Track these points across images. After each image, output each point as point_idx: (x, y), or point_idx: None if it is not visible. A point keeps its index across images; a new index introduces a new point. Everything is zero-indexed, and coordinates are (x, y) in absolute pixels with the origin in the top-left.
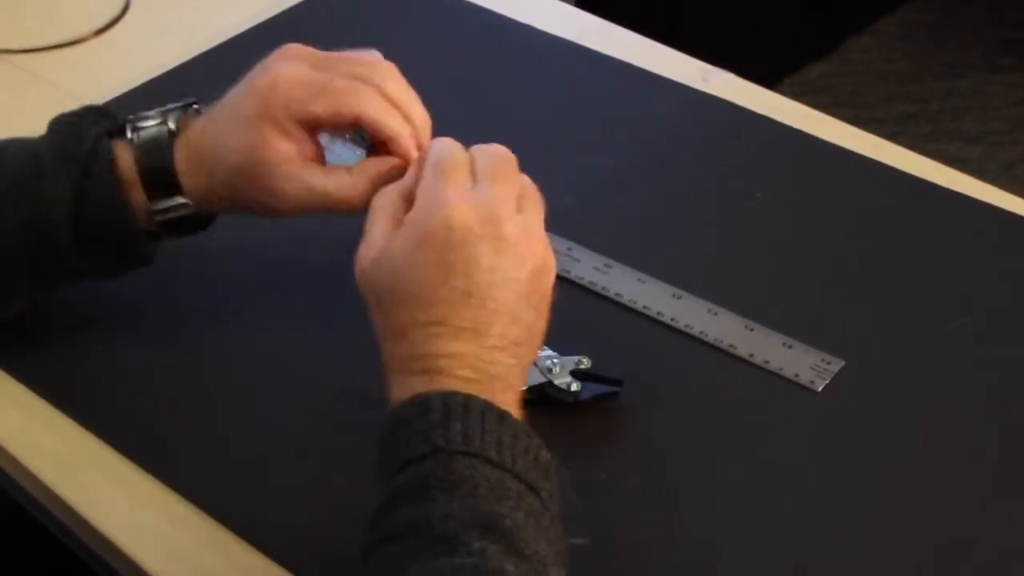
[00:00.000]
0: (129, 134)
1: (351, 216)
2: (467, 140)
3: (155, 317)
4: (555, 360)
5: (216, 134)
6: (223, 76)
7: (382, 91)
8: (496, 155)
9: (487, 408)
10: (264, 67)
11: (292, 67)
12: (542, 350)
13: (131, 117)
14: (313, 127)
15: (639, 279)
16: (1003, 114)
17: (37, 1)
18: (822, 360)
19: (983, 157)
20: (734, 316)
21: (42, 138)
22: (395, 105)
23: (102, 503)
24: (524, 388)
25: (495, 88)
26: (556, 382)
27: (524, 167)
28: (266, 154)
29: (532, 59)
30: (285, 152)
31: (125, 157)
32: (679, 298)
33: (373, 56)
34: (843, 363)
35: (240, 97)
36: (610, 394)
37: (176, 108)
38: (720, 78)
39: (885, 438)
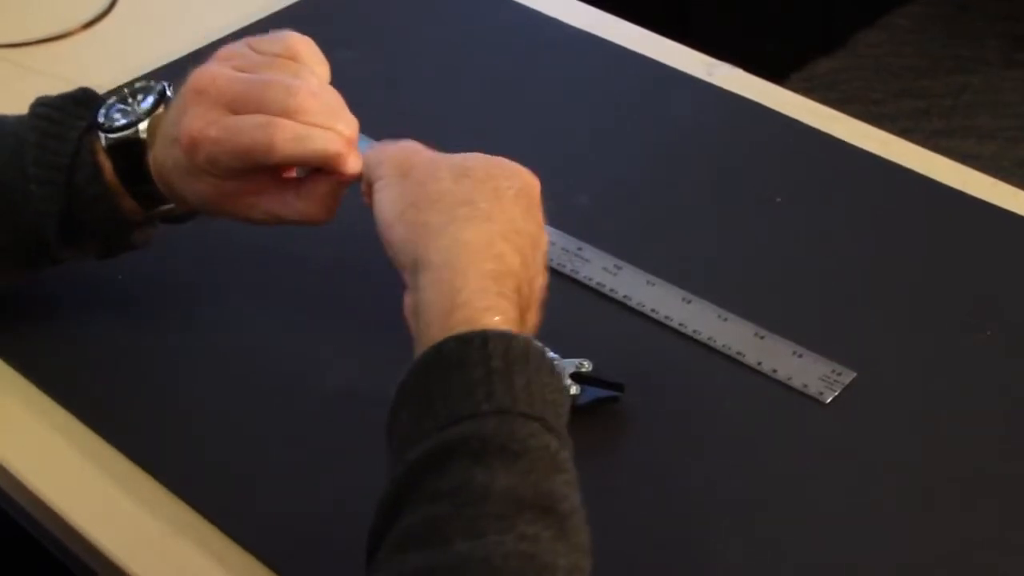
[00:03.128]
0: (103, 141)
1: (349, 213)
2: (469, 136)
3: (144, 307)
4: (555, 362)
5: (171, 173)
6: None
7: (296, 108)
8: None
9: (543, 357)
10: (180, 111)
11: (200, 116)
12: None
13: (103, 113)
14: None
15: (649, 281)
16: (1017, 110)
17: None
18: (832, 371)
19: (997, 154)
20: (744, 322)
21: (22, 128)
22: (315, 122)
23: (82, 498)
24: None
25: (501, 80)
26: None
27: (534, 165)
28: (222, 196)
29: (541, 49)
30: (235, 189)
31: (108, 166)
32: (689, 302)
33: (289, 45)
34: (854, 374)
35: (173, 147)
36: (610, 398)
37: (146, 110)
38: (726, 73)
39: (894, 454)
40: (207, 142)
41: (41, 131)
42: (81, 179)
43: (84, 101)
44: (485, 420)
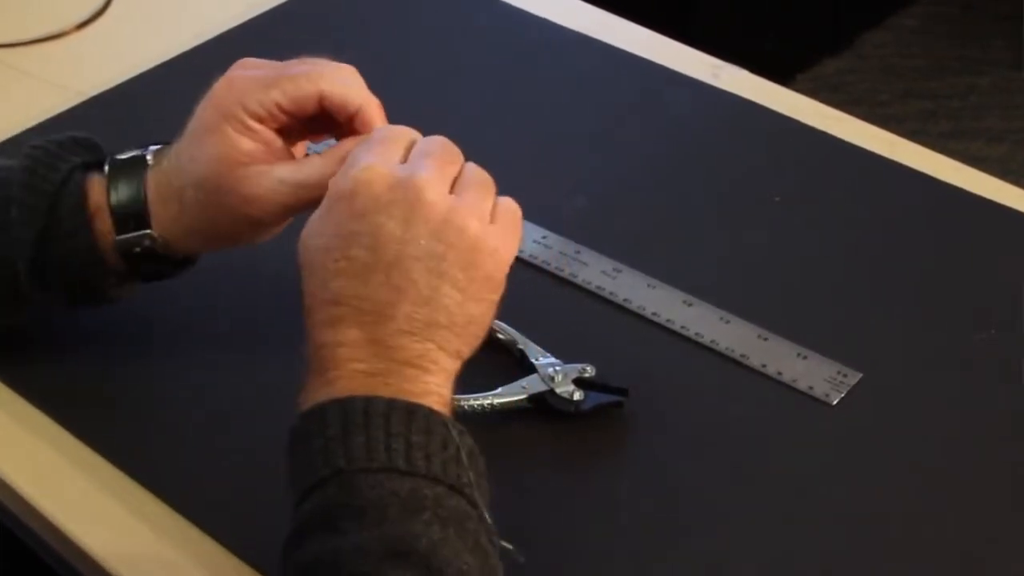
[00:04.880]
0: (106, 167)
1: None
2: (470, 137)
3: (135, 318)
4: (558, 368)
5: (182, 152)
6: (209, 74)
7: (339, 71)
8: (437, 140)
9: (392, 408)
10: (221, 77)
11: (246, 70)
12: (544, 356)
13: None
14: (283, 127)
15: (649, 284)
16: None
17: None
18: (838, 372)
19: (1006, 156)
20: (747, 324)
21: (17, 162)
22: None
23: (79, 510)
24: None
25: (500, 83)
26: (558, 391)
27: (533, 166)
28: (231, 159)
29: (541, 52)
30: (249, 152)
31: (97, 190)
32: (690, 305)
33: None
34: (860, 375)
35: (200, 110)
36: (614, 404)
37: (159, 144)
38: (732, 75)
39: (902, 455)
40: (253, 80)
41: (34, 159)
42: (64, 209)
43: (84, 142)
44: (326, 486)
